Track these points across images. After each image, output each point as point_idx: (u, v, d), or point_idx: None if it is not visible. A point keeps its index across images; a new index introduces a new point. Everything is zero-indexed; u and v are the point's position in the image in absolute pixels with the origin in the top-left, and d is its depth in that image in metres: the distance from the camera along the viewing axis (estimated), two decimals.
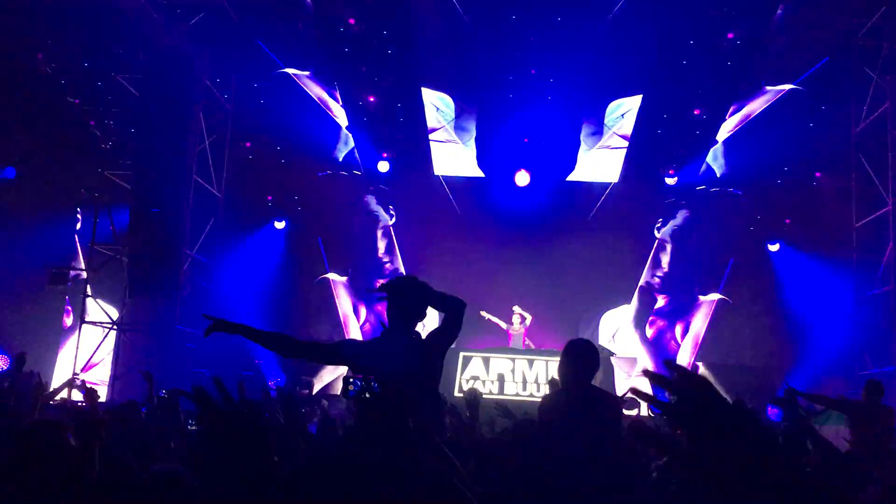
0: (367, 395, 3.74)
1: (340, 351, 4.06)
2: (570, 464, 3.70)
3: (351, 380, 3.93)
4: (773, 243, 13.98)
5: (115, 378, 11.64)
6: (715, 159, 13.91)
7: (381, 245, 15.10)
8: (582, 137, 14.04)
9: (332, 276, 14.72)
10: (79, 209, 13.26)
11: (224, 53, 12.39)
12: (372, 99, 13.54)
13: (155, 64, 11.50)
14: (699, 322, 14.59)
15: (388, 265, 15.03)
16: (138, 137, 11.82)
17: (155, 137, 11.34)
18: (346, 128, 14.05)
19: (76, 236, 13.43)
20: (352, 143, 14.26)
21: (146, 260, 11.44)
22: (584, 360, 4.40)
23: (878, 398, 7.67)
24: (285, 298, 14.20)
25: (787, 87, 12.30)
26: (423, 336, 4.14)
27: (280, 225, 14.50)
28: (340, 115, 13.88)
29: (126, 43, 11.69)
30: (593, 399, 4.39)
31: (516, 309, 12.96)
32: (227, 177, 13.54)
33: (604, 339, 14.45)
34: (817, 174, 13.87)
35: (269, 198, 14.64)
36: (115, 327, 11.91)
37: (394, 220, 15.02)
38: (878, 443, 7.11)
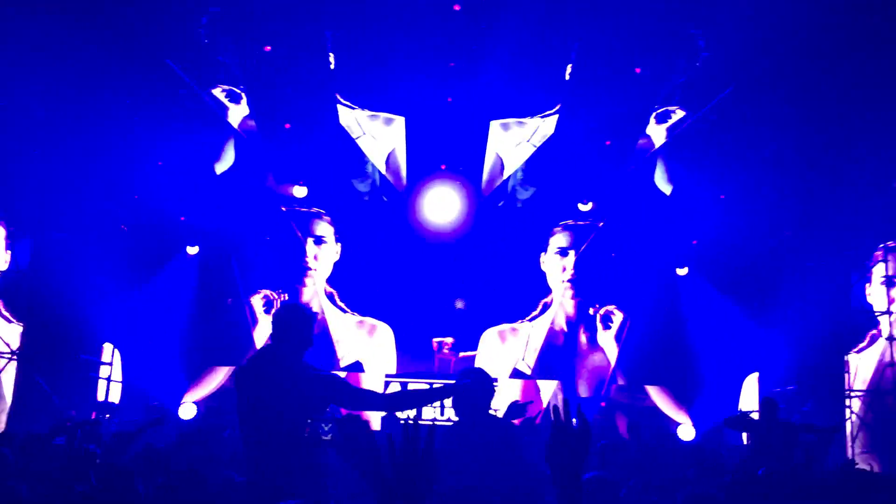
0: (325, 438, 3.67)
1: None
2: (469, 492, 3.72)
3: (310, 422, 3.84)
4: (682, 266, 14.41)
5: (13, 410, 11.15)
6: (626, 184, 14.25)
7: (303, 266, 14.92)
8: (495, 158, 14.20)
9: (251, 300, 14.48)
10: None
11: (133, 71, 12.03)
12: (287, 126, 13.41)
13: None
14: (609, 341, 14.86)
15: (307, 287, 14.84)
16: (42, 161, 11.38)
17: (57, 162, 10.96)
18: (262, 151, 13.84)
19: None
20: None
21: (49, 288, 11.03)
22: (476, 388, 4.42)
23: (774, 415, 8.03)
24: (200, 327, 13.84)
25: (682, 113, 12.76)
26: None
27: (193, 250, 14.12)
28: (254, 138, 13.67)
29: None
30: (488, 426, 4.40)
31: (435, 340, 13.06)
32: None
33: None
34: (721, 196, 14.28)
35: (182, 218, 14.24)
36: (14, 357, 11.40)
37: (315, 241, 14.89)
38: (779, 457, 7.43)
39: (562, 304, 14.98)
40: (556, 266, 14.98)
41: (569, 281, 14.94)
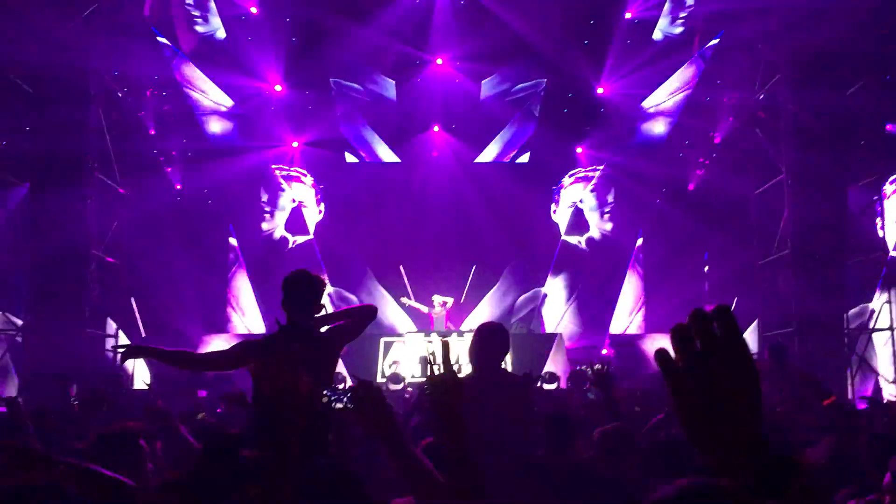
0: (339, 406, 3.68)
1: (243, 353, 3.98)
2: (480, 444, 3.77)
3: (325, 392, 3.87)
4: None
5: (22, 387, 11.18)
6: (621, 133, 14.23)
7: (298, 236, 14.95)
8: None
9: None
10: None
11: (121, 45, 11.97)
12: (280, 88, 13.36)
13: (48, 59, 11.03)
14: (628, 293, 14.98)
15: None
16: (33, 136, 11.34)
17: (51, 136, 10.93)
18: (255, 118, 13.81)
19: None
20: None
21: (48, 262, 11.07)
22: (492, 342, 4.48)
23: (783, 360, 8.05)
24: (202, 295, 13.89)
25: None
26: (325, 329, 4.13)
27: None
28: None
29: (17, 38, 11.13)
30: (502, 381, 4.47)
31: (435, 297, 13.09)
32: (133, 173, 13.09)
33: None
34: (717, 140, 14.20)
35: (178, 187, 14.27)
36: (19, 334, 11.46)
37: (313, 208, 14.90)
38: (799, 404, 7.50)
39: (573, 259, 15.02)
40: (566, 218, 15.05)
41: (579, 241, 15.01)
